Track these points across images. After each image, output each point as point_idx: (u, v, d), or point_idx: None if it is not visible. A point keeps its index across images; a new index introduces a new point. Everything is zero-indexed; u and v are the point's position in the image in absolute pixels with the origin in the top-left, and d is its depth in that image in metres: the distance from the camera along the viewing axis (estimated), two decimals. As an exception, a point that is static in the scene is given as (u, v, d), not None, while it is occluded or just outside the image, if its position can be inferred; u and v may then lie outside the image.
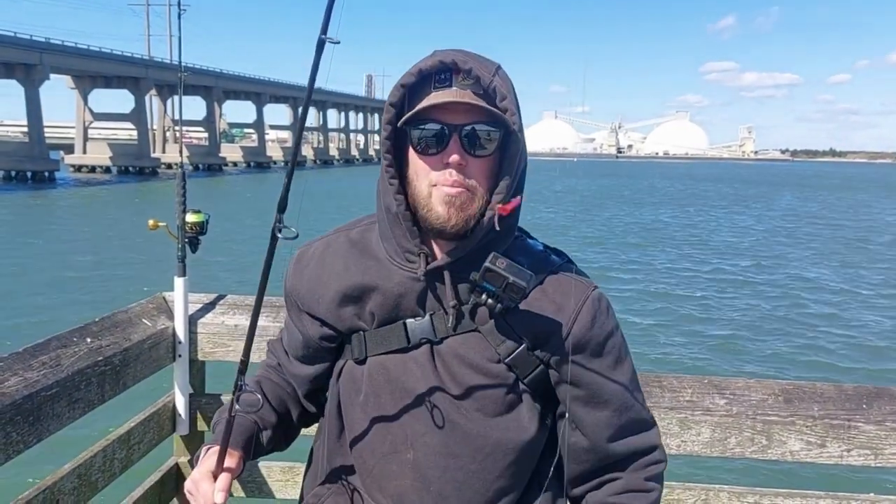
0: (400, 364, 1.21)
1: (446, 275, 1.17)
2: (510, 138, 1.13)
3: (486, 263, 1.11)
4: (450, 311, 1.18)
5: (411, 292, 1.20)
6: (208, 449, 1.22)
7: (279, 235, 1.02)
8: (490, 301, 1.13)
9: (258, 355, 1.82)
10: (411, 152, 1.15)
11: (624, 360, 1.24)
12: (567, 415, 1.22)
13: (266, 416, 1.33)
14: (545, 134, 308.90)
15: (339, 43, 0.94)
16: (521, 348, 1.18)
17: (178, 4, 2.14)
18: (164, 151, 71.44)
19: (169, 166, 65.53)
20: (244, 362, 1.14)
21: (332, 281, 1.25)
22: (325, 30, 0.94)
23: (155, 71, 63.75)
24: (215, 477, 1.16)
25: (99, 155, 63.84)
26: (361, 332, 1.25)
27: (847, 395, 1.82)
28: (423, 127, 1.12)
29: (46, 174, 51.12)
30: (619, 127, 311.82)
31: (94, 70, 59.21)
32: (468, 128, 1.11)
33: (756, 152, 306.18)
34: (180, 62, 2.39)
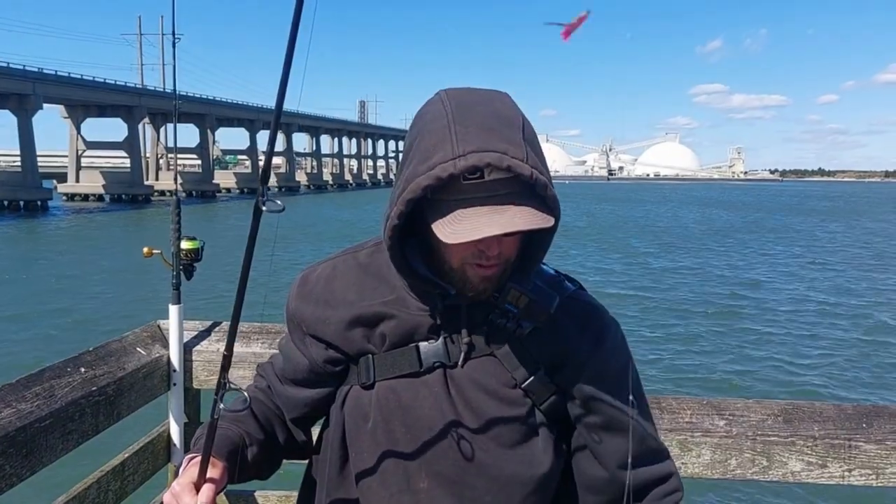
0: (411, 389, 1.16)
1: (463, 307, 1.15)
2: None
3: (510, 283, 1.10)
4: (462, 337, 1.15)
5: (427, 320, 1.16)
6: (190, 459, 1.12)
7: (263, 209, 0.90)
8: (509, 324, 1.11)
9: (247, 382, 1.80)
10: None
11: (639, 387, 1.22)
12: (585, 444, 1.19)
13: (253, 433, 1.24)
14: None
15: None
16: (538, 373, 1.15)
17: (173, 33, 2.15)
18: (157, 179, 71.47)
19: (162, 194, 65.55)
20: (227, 357, 1.03)
21: (341, 306, 1.19)
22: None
23: (148, 99, 64.09)
24: (198, 489, 1.05)
25: (92, 183, 63.75)
26: (370, 356, 1.19)
27: (847, 415, 1.81)
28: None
29: (39, 203, 50.97)
30: (610, 149, 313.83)
31: (86, 99, 59.41)
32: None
33: (746, 173, 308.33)
34: (175, 90, 2.40)
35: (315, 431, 1.36)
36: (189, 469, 1.09)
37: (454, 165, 0.97)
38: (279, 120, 0.92)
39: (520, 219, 0.99)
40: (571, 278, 1.25)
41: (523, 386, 1.15)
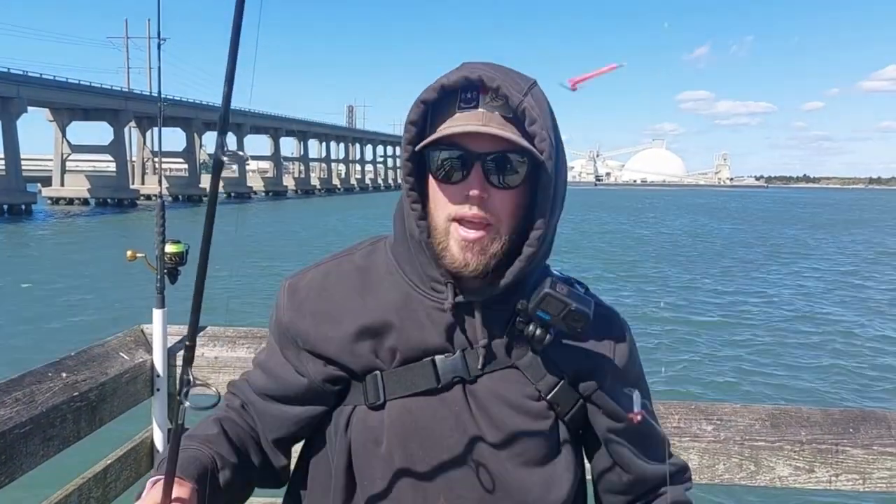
0: (428, 407, 1.08)
1: (476, 308, 1.08)
2: (541, 168, 1.00)
3: (546, 289, 1.02)
4: (480, 348, 1.08)
5: (438, 325, 1.09)
6: (155, 482, 1.00)
7: (224, 159, 0.83)
8: (539, 332, 1.04)
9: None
10: (431, 179, 1.04)
11: (648, 388, 1.23)
12: (609, 448, 1.18)
13: (226, 455, 1.12)
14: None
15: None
16: (562, 383, 1.10)
17: (159, 35, 2.13)
18: (143, 183, 70.91)
19: (148, 198, 64.95)
20: (190, 348, 0.93)
21: (345, 317, 1.11)
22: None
23: (134, 103, 63.51)
24: None
25: (77, 187, 63.14)
26: (377, 373, 1.10)
27: (834, 420, 1.82)
28: (443, 152, 1.01)
29: (23, 207, 50.40)
30: (598, 155, 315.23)
31: (72, 102, 58.87)
32: (492, 156, 1.00)
33: (731, 179, 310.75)
34: (160, 94, 2.37)
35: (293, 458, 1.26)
36: (152, 492, 0.98)
37: (447, 78, 1.00)
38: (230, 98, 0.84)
39: (501, 131, 0.98)
40: (579, 281, 1.18)
41: (548, 397, 1.10)
